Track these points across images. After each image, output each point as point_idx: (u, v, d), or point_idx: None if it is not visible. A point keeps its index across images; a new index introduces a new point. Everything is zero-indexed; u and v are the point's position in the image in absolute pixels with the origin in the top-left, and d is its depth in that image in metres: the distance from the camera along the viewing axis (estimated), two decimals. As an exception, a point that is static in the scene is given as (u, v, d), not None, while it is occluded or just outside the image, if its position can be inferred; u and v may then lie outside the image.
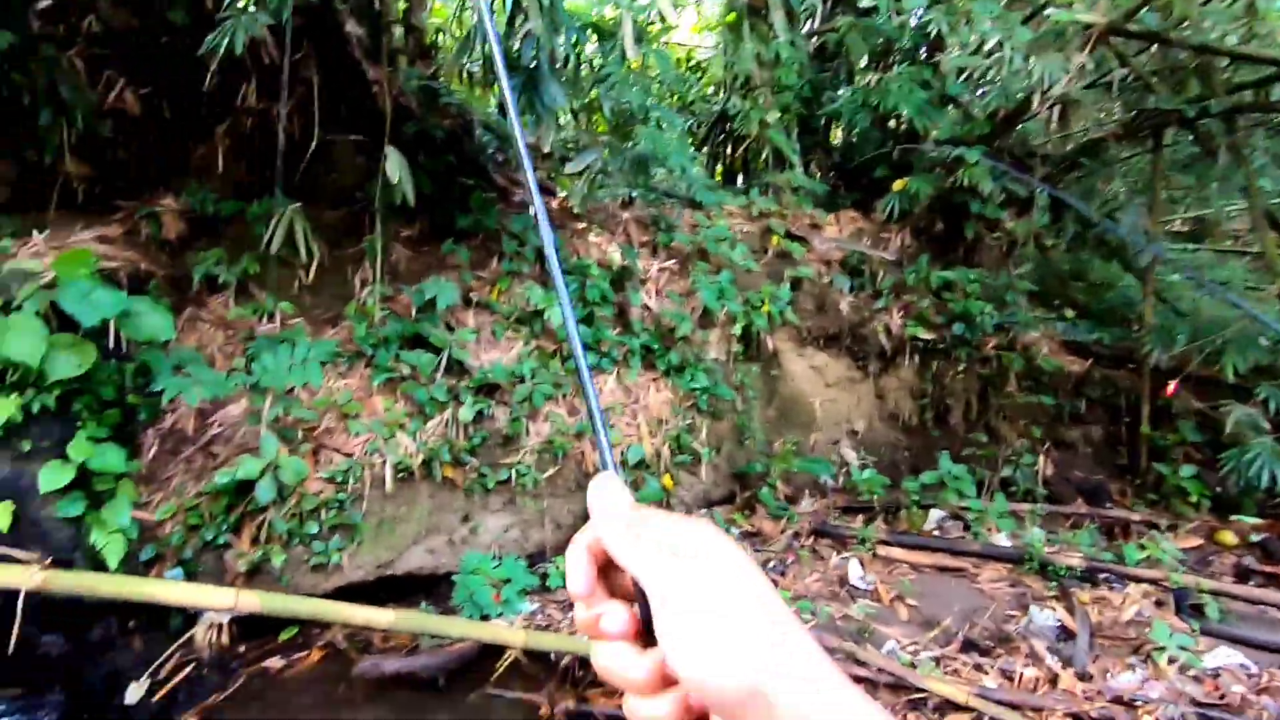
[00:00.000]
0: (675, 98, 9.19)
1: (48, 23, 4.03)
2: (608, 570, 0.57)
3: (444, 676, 3.86)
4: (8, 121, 4.04)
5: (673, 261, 6.09)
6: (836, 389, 6.82)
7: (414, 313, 4.80)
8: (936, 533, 5.48)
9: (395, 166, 4.24)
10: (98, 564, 3.40)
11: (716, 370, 5.71)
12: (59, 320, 3.29)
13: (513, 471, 4.73)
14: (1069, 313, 7.17)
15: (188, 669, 3.78)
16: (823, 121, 7.69)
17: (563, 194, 6.19)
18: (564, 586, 4.25)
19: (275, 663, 3.97)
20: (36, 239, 3.86)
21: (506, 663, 3.92)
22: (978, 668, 3.98)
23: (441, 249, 5.16)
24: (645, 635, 0.56)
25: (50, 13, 4.05)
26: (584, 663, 3.89)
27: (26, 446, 3.30)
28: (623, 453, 5.06)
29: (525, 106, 4.23)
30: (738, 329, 5.88)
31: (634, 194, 6.50)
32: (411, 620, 3.20)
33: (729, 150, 8.49)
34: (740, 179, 8.58)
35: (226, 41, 3.55)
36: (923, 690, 3.73)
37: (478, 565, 4.39)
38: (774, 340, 6.37)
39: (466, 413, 4.54)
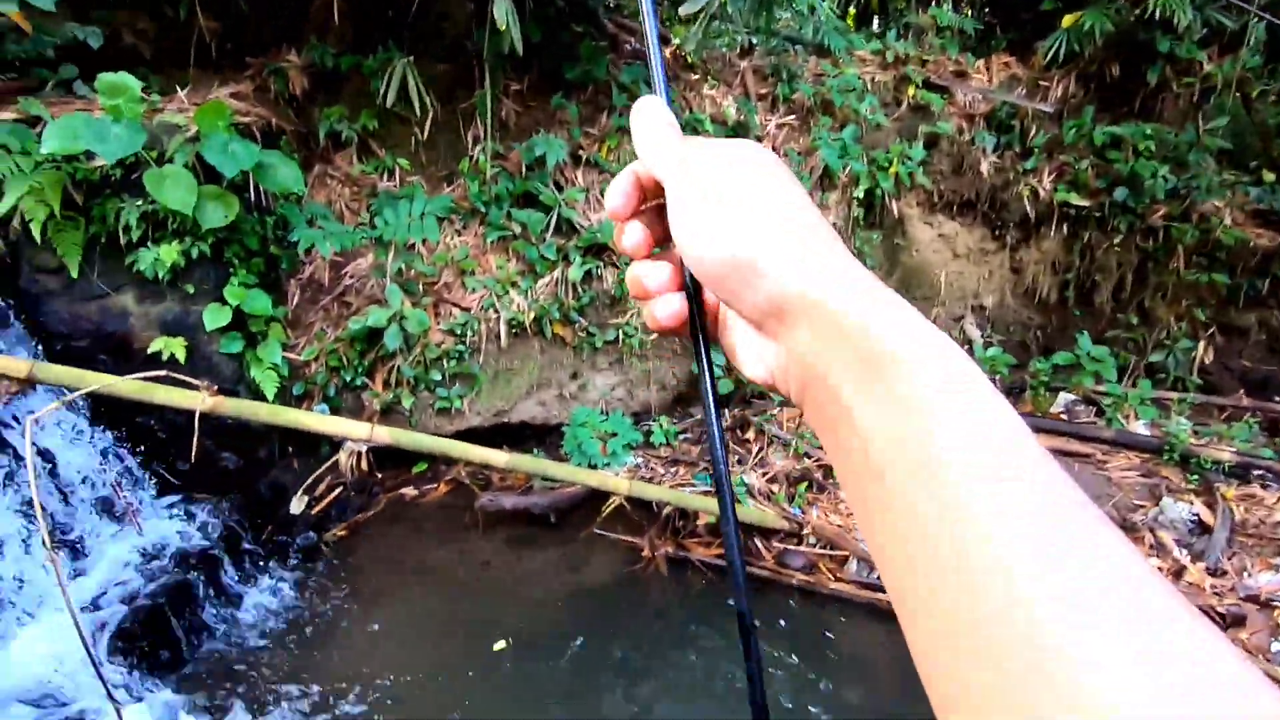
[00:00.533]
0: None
1: None
2: (656, 212, 0.53)
3: (555, 515, 4.20)
4: (144, -24, 4.18)
5: (792, 116, 5.62)
6: (966, 261, 6.29)
7: (524, 170, 4.77)
8: (1064, 416, 5.13)
9: (503, 12, 4.04)
10: (257, 395, 3.86)
11: (834, 236, 5.38)
12: (205, 172, 3.53)
13: (620, 332, 4.80)
14: (1268, 176, 6.06)
15: (337, 490, 4.33)
16: (983, -56, 6.55)
17: (676, 41, 5.75)
18: (667, 443, 4.39)
19: (409, 491, 4.47)
20: (179, 95, 4.08)
21: (611, 508, 4.18)
22: (1092, 552, 3.82)
23: (550, 104, 5.01)
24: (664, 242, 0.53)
25: None
26: (684, 514, 4.09)
27: (190, 289, 3.69)
28: (729, 318, 4.99)
29: (637, -65, 3.85)
30: (860, 191, 5.45)
31: (754, 40, 5.95)
32: (524, 462, 3.44)
33: (865, -14, 7.49)
34: (876, 21, 7.62)
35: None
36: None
37: (586, 419, 4.60)
38: (900, 205, 5.88)
39: (575, 272, 4.59)
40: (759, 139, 5.40)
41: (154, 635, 3.00)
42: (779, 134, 5.50)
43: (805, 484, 4.22)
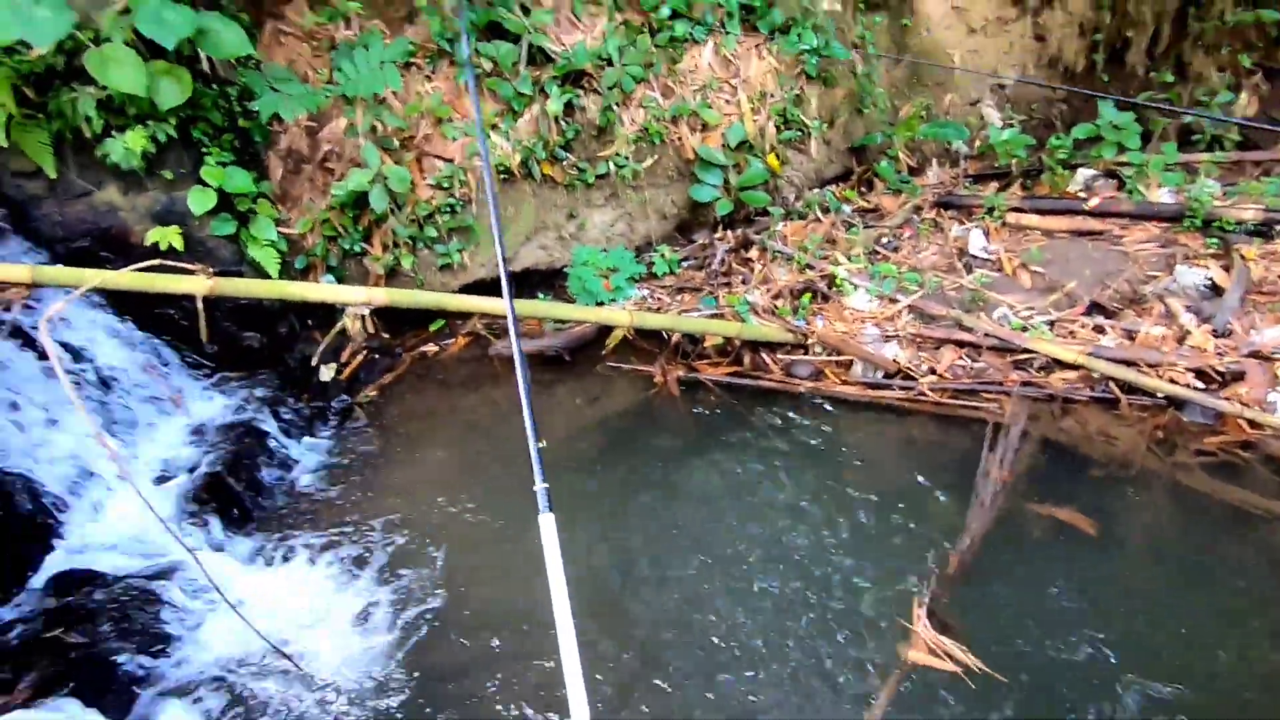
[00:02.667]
0: None
1: None
2: None
3: (568, 354, 4.36)
4: None
5: (776, -115, 4.93)
6: (982, 35, 5.75)
7: (484, -3, 4.39)
8: (1083, 194, 4.92)
9: None
10: (261, 274, 3.94)
11: (829, 26, 4.93)
12: (149, 49, 3.36)
13: (610, 164, 4.65)
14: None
15: (362, 355, 4.53)
16: None
17: None
18: (670, 272, 4.40)
19: (430, 348, 4.65)
20: (102, -38, 3.79)
21: (617, 340, 4.31)
22: (1098, 329, 3.85)
23: (501, -89, 4.48)
24: None
25: None
26: (693, 339, 4.20)
27: (169, 175, 3.66)
28: (723, 135, 4.76)
29: None
30: (857, -32, 4.90)
31: None
32: (527, 307, 3.52)
33: None
34: None
35: None
36: (1030, 351, 3.71)
37: (587, 257, 4.61)
38: (905, -22, 5.30)
39: (555, 105, 4.37)
40: (739, -80, 4.80)
41: (220, 498, 3.35)
42: (761, -90, 4.87)
43: (809, 295, 4.24)
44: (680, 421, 3.90)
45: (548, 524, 1.67)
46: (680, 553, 3.07)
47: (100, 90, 3.34)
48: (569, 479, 3.57)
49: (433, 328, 4.77)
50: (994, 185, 5.20)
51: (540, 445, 1.94)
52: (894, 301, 4.15)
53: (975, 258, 4.47)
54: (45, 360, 3.27)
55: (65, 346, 3.41)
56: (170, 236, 3.70)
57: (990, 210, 4.75)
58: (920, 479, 3.33)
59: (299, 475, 3.74)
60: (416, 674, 2.71)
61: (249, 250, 3.94)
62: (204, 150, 3.76)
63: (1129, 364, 3.51)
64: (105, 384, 3.50)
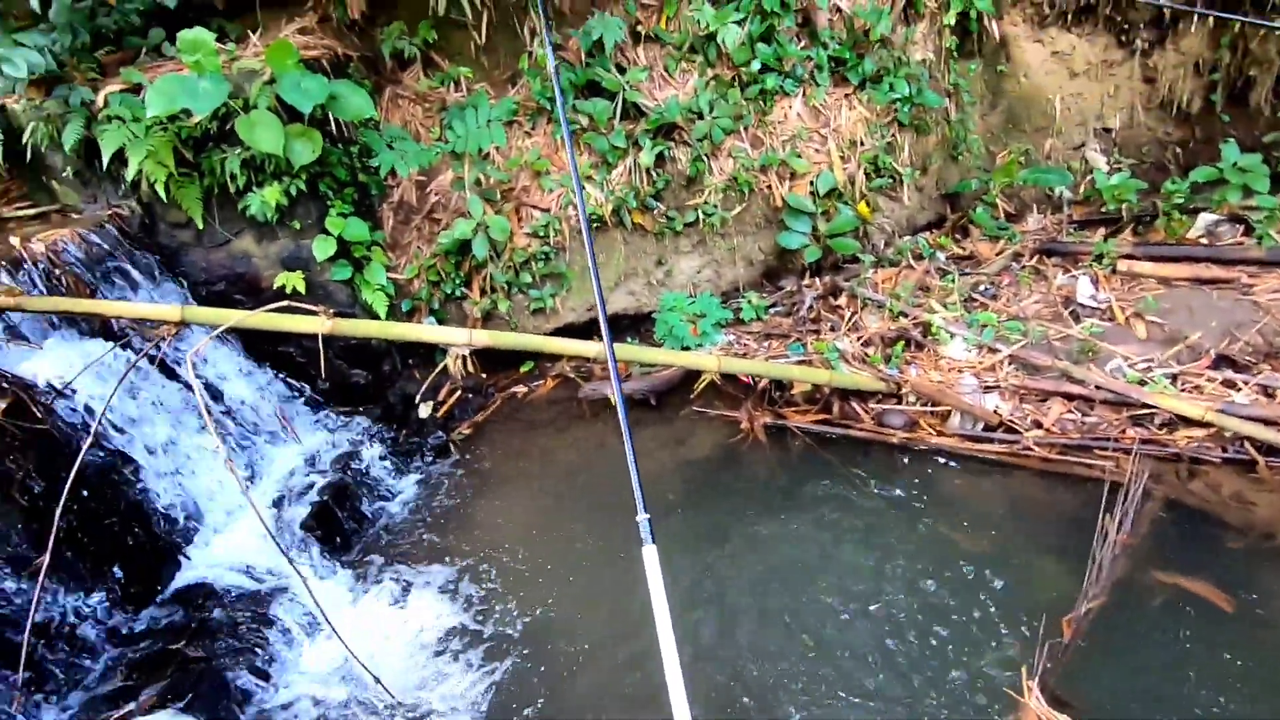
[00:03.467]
0: None
1: None
2: None
3: (654, 397, 4.40)
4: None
5: (868, -58, 5.02)
6: (1086, 79, 5.58)
7: (584, 59, 4.65)
8: (1204, 241, 4.60)
9: (534, -114, 3.84)
10: (371, 315, 4.22)
11: (921, 75, 4.91)
12: (287, 112, 3.74)
13: (699, 212, 4.74)
14: None
15: (457, 395, 4.73)
16: None
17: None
18: (758, 319, 4.41)
19: (520, 389, 4.81)
20: (252, 39, 4.27)
21: (704, 385, 4.32)
22: (1228, 384, 3.56)
23: (601, -21, 4.77)
24: None
25: None
26: (780, 385, 4.16)
27: (297, 225, 4.02)
28: (812, 183, 4.78)
29: None
30: (951, 17, 4.89)
31: None
32: (616, 351, 3.59)
33: None
34: None
35: None
36: (1150, 406, 3.46)
37: (674, 303, 4.68)
38: (1001, 25, 5.23)
39: (647, 157, 4.52)
40: (830, -23, 4.90)
41: (326, 526, 3.54)
42: (852, -34, 4.96)
43: (902, 343, 4.13)
44: (767, 469, 3.84)
45: (650, 556, 1.64)
46: (764, 609, 2.99)
47: (245, 150, 3.73)
48: (655, 518, 3.56)
49: (523, 369, 4.94)
50: (1101, 231, 4.96)
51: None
52: (994, 351, 3.98)
53: (1083, 307, 4.24)
54: (181, 391, 3.59)
55: (202, 380, 3.74)
56: (295, 281, 4.03)
57: (1099, 257, 4.51)
58: (1027, 539, 3.13)
59: (396, 507, 3.90)
60: (501, 707, 2.74)
61: (362, 293, 4.24)
62: (328, 202, 4.10)
63: (1267, 423, 3.21)
64: (231, 415, 3.81)
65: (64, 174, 3.82)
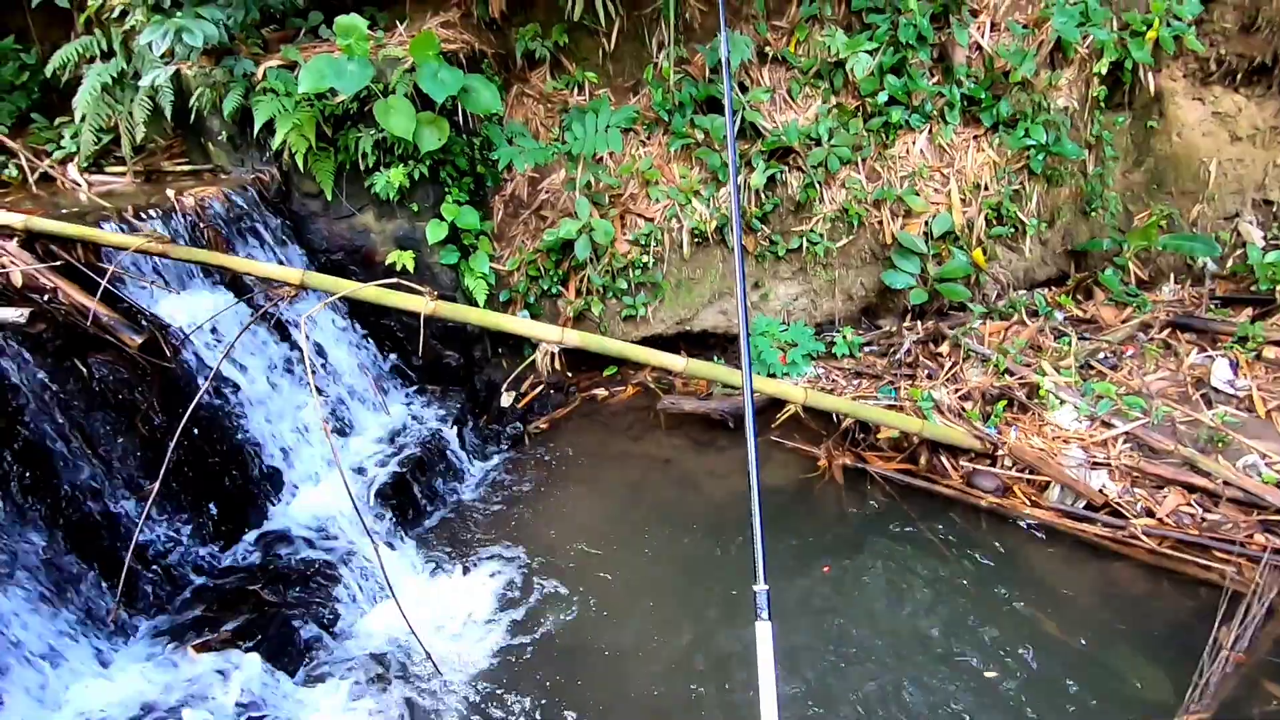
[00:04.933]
0: None
1: None
2: None
3: (733, 420, 4.34)
4: (366, -81, 4.59)
5: (1021, -20, 4.80)
6: (1248, 144, 5.12)
7: (707, 74, 4.66)
8: (1371, 337, 4.11)
9: (685, -98, 3.88)
10: (470, 301, 4.36)
11: (1062, 123, 4.64)
12: (420, 100, 3.94)
13: (804, 240, 4.65)
14: None
15: (539, 389, 4.82)
16: None
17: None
18: (850, 355, 4.27)
19: (601, 392, 4.85)
20: (399, 29, 4.52)
21: (786, 415, 4.22)
22: (1384, 501, 3.14)
23: (736, -2, 4.77)
24: None
25: None
26: (864, 427, 4.01)
27: (415, 207, 4.21)
28: (927, 223, 4.59)
29: None
30: (1103, 66, 4.59)
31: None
32: (700, 368, 3.56)
33: None
34: None
35: None
36: (1285, 512, 3.11)
37: (766, 328, 4.60)
38: (1159, 79, 4.87)
39: (758, 178, 4.48)
40: (975, 13, 4.72)
41: (401, 497, 3.68)
42: (1000, 4, 4.75)
43: (1004, 402, 3.89)
44: (840, 511, 3.70)
45: (764, 634, 1.45)
46: (810, 662, 2.86)
47: (378, 132, 3.94)
48: (709, 542, 3.50)
49: (606, 373, 4.98)
50: (1248, 312, 4.51)
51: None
52: (1108, 425, 3.68)
53: (1217, 392, 3.86)
54: (291, 349, 3.82)
55: (310, 342, 3.96)
56: (405, 259, 4.22)
57: (1243, 340, 4.11)
58: (1121, 638, 2.86)
59: (468, 489, 4.01)
60: (535, 697, 2.75)
61: (464, 279, 4.39)
62: (446, 189, 4.27)
63: None
64: (331, 378, 4.02)
65: (219, 137, 4.15)
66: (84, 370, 2.86)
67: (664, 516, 3.72)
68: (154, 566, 2.84)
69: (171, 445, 2.78)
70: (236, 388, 3.43)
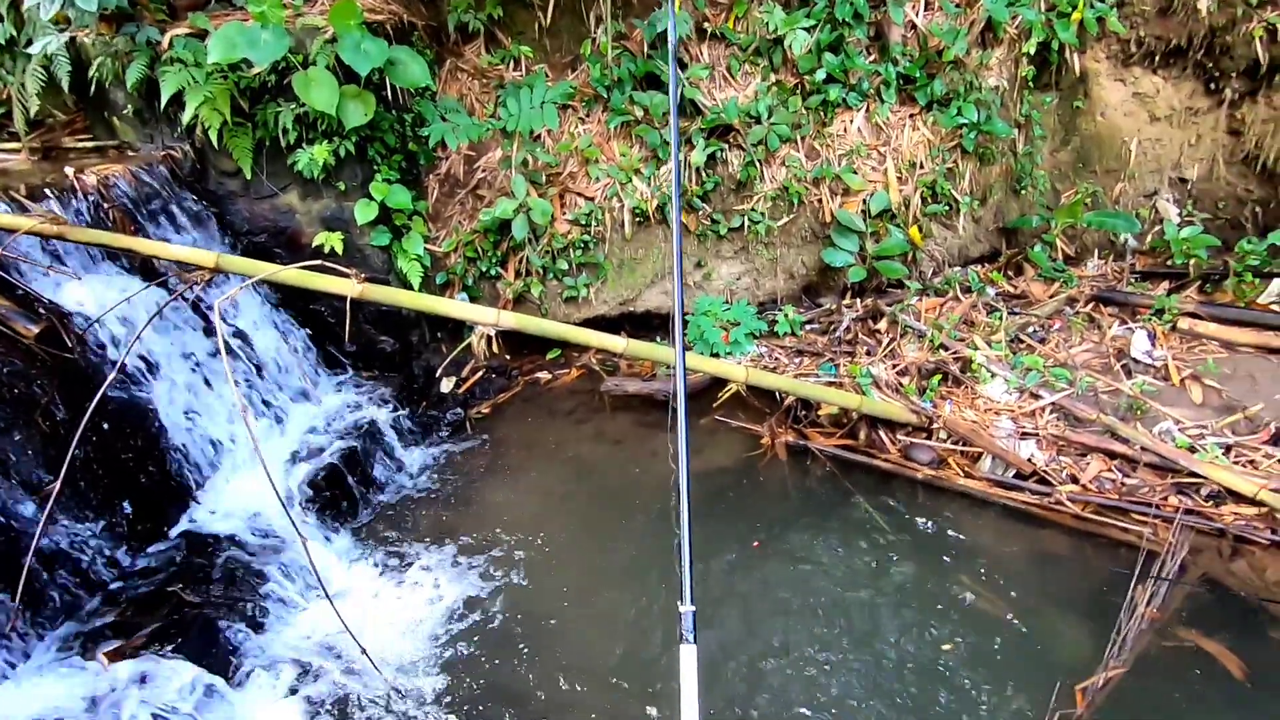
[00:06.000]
0: None
1: None
2: None
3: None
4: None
5: (953, -40, 4.85)
6: (1166, 124, 5.33)
7: (645, 50, 4.57)
8: (1275, 307, 4.35)
9: None
10: (405, 285, 4.21)
11: (993, 102, 4.73)
12: (344, 73, 3.74)
13: (745, 219, 4.64)
14: None
15: (481, 373, 4.71)
16: None
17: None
18: (792, 333, 4.29)
19: (544, 375, 4.77)
20: (321, -2, 4.29)
21: (729, 394, 4.23)
22: (1285, 462, 3.33)
23: (674, -28, 4.68)
24: None
25: None
26: (806, 404, 4.04)
27: (342, 186, 4.02)
28: (865, 201, 4.64)
29: None
30: (1031, 46, 4.69)
31: None
32: (640, 349, 3.52)
33: None
34: None
35: None
36: (1198, 476, 3.27)
37: (709, 307, 4.59)
38: (1083, 60, 5.01)
39: (698, 156, 4.44)
40: (909, -8, 4.75)
41: (335, 489, 3.54)
42: (934, -17, 4.80)
43: (939, 376, 3.98)
44: (783, 489, 3.73)
45: (689, 657, 1.38)
46: (756, 635, 2.88)
47: (299, 107, 3.74)
48: (658, 525, 3.49)
49: (549, 356, 4.90)
50: (1165, 285, 4.72)
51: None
52: (1036, 397, 3.81)
53: (1136, 362, 4.04)
54: (210, 337, 3.62)
55: (232, 330, 3.76)
56: (333, 241, 4.03)
57: (1160, 312, 4.30)
58: (1048, 599, 2.97)
59: (406, 478, 3.89)
60: (476, 690, 2.69)
61: (398, 262, 4.23)
62: (375, 167, 4.10)
63: (1324, 509, 3.01)
64: (257, 368, 3.83)
65: (125, 111, 3.87)
66: (-28, 363, 2.64)
67: (608, 501, 3.69)
68: (60, 571, 2.66)
69: (74, 441, 2.60)
70: (151, 378, 3.22)
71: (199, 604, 2.76)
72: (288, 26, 3.54)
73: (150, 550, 2.98)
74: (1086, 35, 4.89)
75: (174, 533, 3.10)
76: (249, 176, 3.90)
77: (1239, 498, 3.18)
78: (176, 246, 3.23)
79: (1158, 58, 5.16)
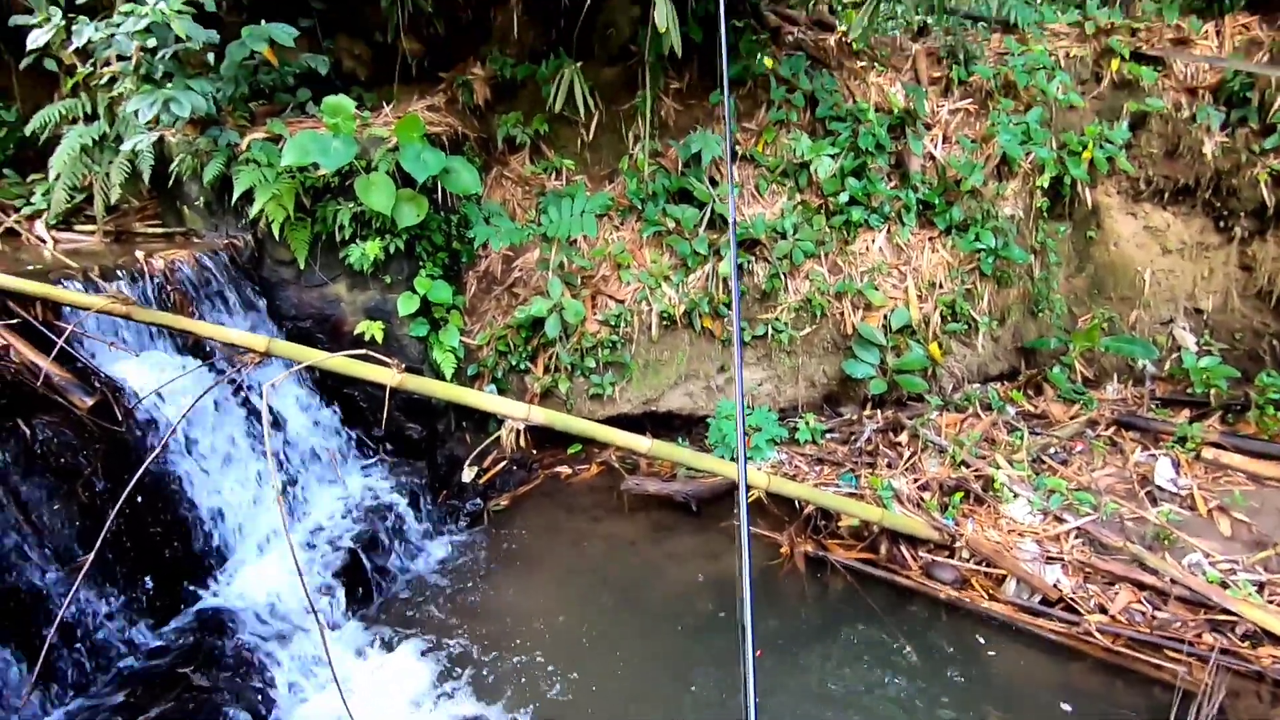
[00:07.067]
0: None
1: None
2: None
3: (696, 503, 4.32)
4: (361, 8, 4.83)
5: (968, 101, 5.24)
6: (1178, 257, 5.51)
7: (680, 167, 4.90)
8: (1299, 442, 4.33)
9: (664, 16, 4.19)
10: (438, 375, 4.35)
11: (1009, 229, 4.96)
12: (401, 177, 4.05)
13: (769, 327, 4.80)
14: None
15: (502, 465, 4.76)
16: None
17: (841, 28, 5.57)
18: (813, 441, 4.33)
19: (564, 470, 4.80)
20: (385, 110, 4.69)
21: (750, 501, 4.21)
22: (1322, 603, 3.24)
23: (709, 100, 5.09)
24: None
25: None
26: (826, 514, 4.03)
27: (388, 280, 4.25)
28: (886, 316, 4.79)
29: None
30: (1045, 180, 4.97)
31: (928, 21, 5.61)
32: (664, 449, 3.58)
33: (1067, -50, 6.73)
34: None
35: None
36: (1231, 614, 3.18)
37: (730, 411, 4.66)
38: (1095, 194, 5.28)
39: (726, 267, 4.65)
40: (928, 127, 5.11)
41: (350, 575, 3.53)
42: (951, 120, 5.16)
43: (961, 494, 3.96)
44: (801, 601, 3.66)
45: None
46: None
47: (357, 206, 4.02)
48: (674, 634, 3.42)
49: (570, 450, 4.95)
50: (1186, 413, 4.74)
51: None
52: (1060, 520, 3.77)
53: (1161, 490, 4.01)
54: (247, 417, 3.73)
55: (269, 409, 3.88)
56: (374, 330, 4.22)
57: (1182, 440, 4.30)
58: (1078, 736, 2.84)
59: (423, 568, 3.87)
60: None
61: (433, 352, 4.39)
62: (420, 263, 4.34)
63: (1366, 657, 2.90)
64: (287, 446, 3.92)
65: (196, 202, 4.18)
66: (26, 431, 2.76)
67: (625, 603, 3.63)
68: (78, 645, 2.65)
69: (112, 514, 2.66)
70: (187, 454, 3.32)
71: (207, 688, 2.72)
72: (356, 136, 3.86)
73: (166, 628, 2.97)
74: (1097, 172, 5.17)
75: (190, 612, 3.09)
76: (303, 266, 4.15)
77: (1276, 639, 3.08)
78: (232, 330, 3.40)
79: (1167, 195, 5.42)
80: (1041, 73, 5.13)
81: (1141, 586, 3.39)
